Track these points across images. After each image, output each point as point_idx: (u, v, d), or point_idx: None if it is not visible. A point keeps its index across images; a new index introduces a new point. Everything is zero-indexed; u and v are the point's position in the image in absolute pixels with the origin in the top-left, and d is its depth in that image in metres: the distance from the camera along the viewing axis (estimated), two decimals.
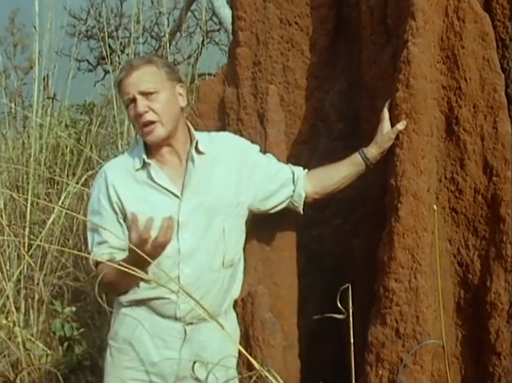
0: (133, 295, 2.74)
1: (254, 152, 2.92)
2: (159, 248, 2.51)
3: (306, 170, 2.94)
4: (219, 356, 2.61)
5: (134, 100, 2.68)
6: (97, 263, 2.71)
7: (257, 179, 2.85)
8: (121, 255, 2.65)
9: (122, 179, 2.74)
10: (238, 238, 2.83)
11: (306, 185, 2.89)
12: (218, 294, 2.76)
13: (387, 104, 2.82)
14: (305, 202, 2.91)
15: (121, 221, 2.73)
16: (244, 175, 2.83)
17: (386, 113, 2.80)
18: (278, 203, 2.90)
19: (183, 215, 2.69)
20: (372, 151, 2.84)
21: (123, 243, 2.66)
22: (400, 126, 2.72)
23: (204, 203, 2.72)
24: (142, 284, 2.70)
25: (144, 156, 2.73)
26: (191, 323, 2.73)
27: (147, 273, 2.59)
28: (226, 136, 2.94)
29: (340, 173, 2.89)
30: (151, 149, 2.76)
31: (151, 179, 2.72)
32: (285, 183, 2.88)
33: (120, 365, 2.75)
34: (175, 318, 2.72)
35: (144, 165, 2.73)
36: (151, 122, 2.68)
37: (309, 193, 2.90)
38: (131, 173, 2.74)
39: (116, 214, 2.73)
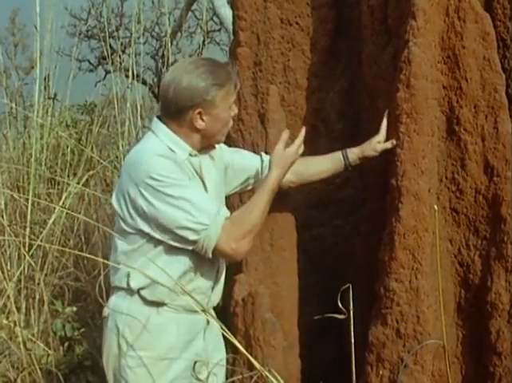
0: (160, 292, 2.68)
1: (225, 151, 2.91)
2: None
3: None
4: (220, 338, 2.81)
5: (233, 103, 2.75)
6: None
7: (231, 175, 2.91)
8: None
9: (180, 171, 2.67)
10: None
11: None
12: (222, 282, 2.84)
13: (385, 115, 2.84)
14: (281, 187, 2.86)
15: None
16: (223, 177, 2.88)
17: (384, 127, 2.85)
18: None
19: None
20: (354, 153, 2.90)
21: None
22: (389, 145, 2.81)
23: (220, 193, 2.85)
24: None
25: (190, 148, 2.70)
26: (208, 311, 2.75)
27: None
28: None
29: (317, 165, 2.95)
30: (190, 142, 2.72)
31: (195, 169, 2.72)
32: (256, 172, 2.94)
33: (159, 371, 2.68)
34: (199, 310, 2.66)
35: (189, 156, 2.70)
36: None
37: (284, 181, 2.87)
38: (179, 164, 2.66)
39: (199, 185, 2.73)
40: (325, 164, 2.95)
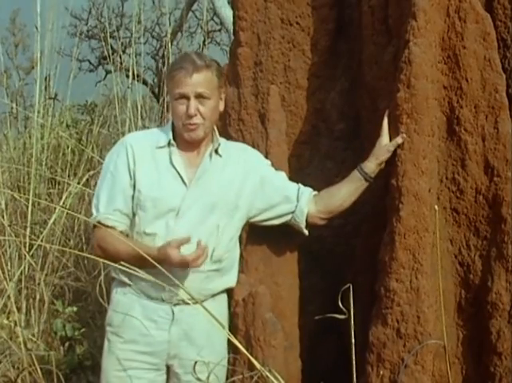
0: (129, 277, 2.84)
1: (264, 164, 2.99)
2: (184, 265, 2.71)
3: (315, 192, 2.96)
4: (206, 336, 2.83)
5: (187, 98, 2.80)
6: (95, 226, 2.85)
7: (262, 190, 2.92)
8: (123, 225, 2.84)
9: (142, 153, 2.86)
10: (230, 237, 2.90)
11: (310, 205, 2.93)
12: (203, 283, 2.85)
13: (386, 115, 2.83)
14: (312, 223, 2.95)
15: (131, 187, 2.85)
16: (248, 183, 2.91)
17: (385, 127, 2.84)
18: (278, 216, 2.96)
19: (185, 203, 2.80)
20: (370, 164, 2.88)
21: (130, 210, 2.83)
22: (399, 140, 2.77)
23: (207, 197, 2.84)
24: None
25: (171, 137, 2.87)
26: (178, 304, 2.84)
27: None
28: (241, 146, 3.04)
29: (341, 191, 2.92)
30: (178, 135, 2.88)
31: (170, 160, 2.85)
32: (288, 197, 2.93)
33: (114, 347, 2.89)
34: (162, 300, 2.84)
35: (168, 145, 2.86)
36: (196, 123, 2.82)
37: (313, 212, 2.93)
38: (152, 150, 2.87)
39: (130, 179, 2.84)
40: (347, 189, 2.91)
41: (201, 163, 2.87)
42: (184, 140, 2.86)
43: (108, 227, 2.81)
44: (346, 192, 2.91)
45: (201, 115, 2.80)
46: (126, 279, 2.86)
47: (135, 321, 2.85)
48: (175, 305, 2.84)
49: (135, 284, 2.85)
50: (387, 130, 2.83)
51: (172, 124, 2.90)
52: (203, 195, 2.83)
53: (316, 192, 2.96)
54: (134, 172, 2.84)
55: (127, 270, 2.57)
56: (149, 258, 2.55)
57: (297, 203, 2.93)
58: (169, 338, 2.85)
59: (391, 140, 2.82)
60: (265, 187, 2.93)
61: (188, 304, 2.79)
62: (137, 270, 2.62)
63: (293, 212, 2.93)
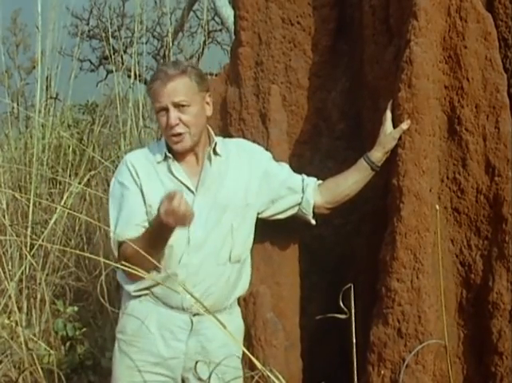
0: (142, 283, 2.78)
1: (266, 157, 2.97)
2: (181, 219, 2.58)
3: (320, 181, 2.95)
4: (223, 350, 2.74)
5: (166, 109, 2.76)
6: (120, 245, 2.76)
7: (267, 183, 2.91)
8: None
9: (144, 169, 2.83)
10: (246, 236, 2.88)
11: (316, 195, 2.92)
12: (225, 288, 2.81)
13: (389, 105, 2.82)
14: (319, 213, 2.95)
15: (144, 203, 2.80)
16: (254, 179, 2.89)
17: (389, 114, 2.82)
18: (285, 209, 2.94)
19: (196, 210, 2.73)
20: (376, 153, 2.86)
21: (148, 219, 2.75)
22: (404, 126, 2.75)
23: (216, 200, 2.81)
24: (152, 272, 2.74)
25: (166, 150, 2.84)
26: (198, 314, 2.77)
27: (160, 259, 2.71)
28: (240, 141, 3.03)
29: (347, 180, 2.91)
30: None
31: (171, 172, 2.82)
32: (293, 189, 2.92)
33: (127, 356, 2.81)
34: (182, 309, 2.78)
35: (165, 159, 2.84)
36: (180, 134, 2.77)
37: (319, 203, 2.93)
38: (153, 165, 2.84)
39: (141, 195, 2.80)
40: (353, 177, 2.90)
41: (202, 168, 2.84)
42: (178, 152, 2.83)
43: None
44: (353, 182, 2.90)
45: (183, 123, 2.75)
46: (145, 291, 2.80)
47: (151, 329, 2.78)
48: (194, 315, 2.78)
49: (153, 292, 2.79)
50: (391, 117, 2.80)
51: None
52: (212, 199, 2.81)
53: (320, 181, 2.95)
54: (141, 187, 2.79)
55: (149, 277, 2.57)
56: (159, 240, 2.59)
57: (303, 194, 2.91)
58: (186, 350, 2.78)
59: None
60: (270, 181, 2.91)
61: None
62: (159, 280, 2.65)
63: (299, 204, 2.92)
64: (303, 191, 2.92)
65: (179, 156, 2.84)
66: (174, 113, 2.74)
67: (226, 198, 2.82)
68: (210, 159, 2.85)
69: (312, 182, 2.94)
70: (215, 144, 2.86)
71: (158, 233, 2.65)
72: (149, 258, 2.53)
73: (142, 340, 2.79)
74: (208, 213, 2.79)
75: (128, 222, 2.76)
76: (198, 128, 2.80)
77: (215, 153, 2.86)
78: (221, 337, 2.70)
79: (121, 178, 2.84)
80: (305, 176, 2.96)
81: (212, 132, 2.91)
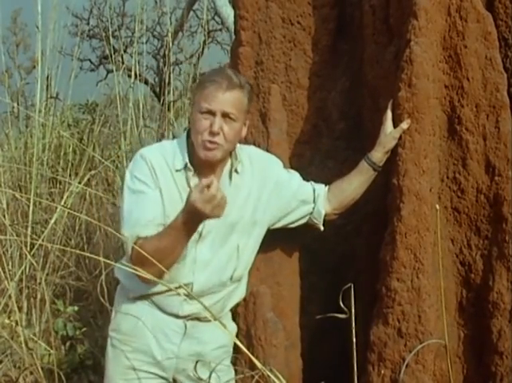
0: (144, 288, 2.75)
1: (277, 167, 2.93)
2: (217, 208, 2.51)
3: (327, 187, 2.94)
4: (216, 352, 2.78)
5: (213, 114, 2.67)
6: (135, 242, 2.66)
7: (278, 196, 2.88)
8: None
9: (163, 174, 2.74)
10: (249, 256, 2.87)
11: (326, 204, 2.92)
12: (219, 302, 2.82)
13: (389, 105, 2.82)
14: (327, 219, 2.95)
15: (162, 201, 2.71)
16: (265, 192, 2.86)
17: (389, 114, 2.82)
18: (297, 219, 2.94)
19: (206, 227, 2.71)
20: (377, 153, 2.86)
21: (166, 221, 2.65)
22: (404, 125, 2.75)
23: (226, 218, 2.70)
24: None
25: (187, 161, 2.75)
26: (191, 319, 2.79)
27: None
28: (252, 151, 2.92)
29: (351, 184, 2.91)
30: (193, 154, 2.76)
31: (189, 185, 2.73)
32: (305, 200, 2.91)
33: (121, 355, 2.80)
34: (177, 316, 2.78)
35: (185, 169, 2.75)
36: (216, 143, 2.69)
37: (329, 211, 2.94)
38: (171, 172, 2.75)
39: (159, 193, 2.72)
40: (357, 180, 2.90)
41: (220, 185, 2.68)
42: (201, 162, 2.73)
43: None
44: (357, 185, 2.90)
45: (224, 135, 2.67)
46: (143, 292, 2.78)
47: (145, 330, 2.77)
48: (188, 319, 2.79)
49: (149, 296, 2.78)
50: (391, 117, 2.81)
51: (187, 141, 2.78)
52: (224, 218, 2.68)
53: (327, 187, 2.94)
54: (160, 189, 2.71)
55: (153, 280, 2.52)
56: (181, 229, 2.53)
57: (315, 204, 2.91)
58: (178, 353, 2.78)
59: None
60: (281, 192, 2.88)
61: (201, 320, 2.77)
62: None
63: (310, 213, 2.92)
64: (314, 202, 2.91)
65: (199, 170, 2.75)
66: (219, 122, 2.66)
67: (236, 217, 2.78)
68: (230, 177, 2.79)
69: (322, 191, 2.93)
70: (238, 163, 2.80)
71: (186, 226, 2.56)
72: (164, 258, 2.53)
73: (136, 339, 2.78)
74: (217, 232, 2.76)
75: (149, 222, 2.66)
76: (232, 145, 2.75)
77: (236, 171, 2.81)
78: (214, 340, 2.77)
79: (140, 175, 2.72)
80: (315, 185, 2.94)
81: (237, 150, 2.82)
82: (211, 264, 2.77)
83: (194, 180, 2.72)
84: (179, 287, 2.64)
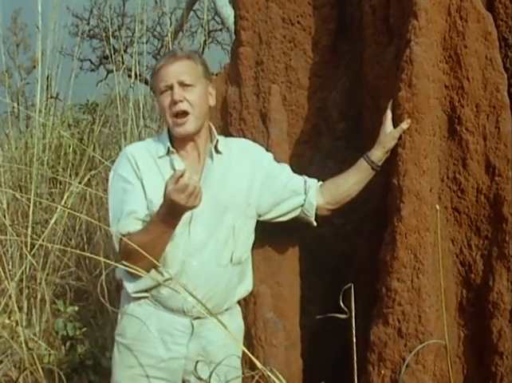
0: (143, 283, 2.75)
1: (268, 159, 2.96)
2: (192, 197, 2.53)
3: (320, 182, 2.95)
4: (223, 351, 2.72)
5: (171, 87, 2.75)
6: (121, 239, 2.69)
7: (269, 186, 2.89)
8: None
9: (145, 162, 2.80)
10: (246, 237, 2.86)
11: (318, 197, 2.92)
12: (226, 291, 2.79)
13: (389, 105, 2.82)
14: (320, 214, 2.94)
15: (144, 195, 2.75)
16: (256, 179, 2.88)
17: (389, 114, 2.82)
18: (288, 211, 2.93)
19: (197, 209, 2.69)
20: (376, 153, 2.86)
21: (149, 214, 2.70)
22: (404, 125, 2.75)
23: (218, 199, 2.77)
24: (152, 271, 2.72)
25: (169, 145, 2.81)
26: (198, 317, 2.76)
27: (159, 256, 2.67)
28: (242, 141, 3.01)
29: (348, 181, 2.91)
30: (175, 140, 2.83)
31: (173, 168, 2.77)
32: (296, 191, 2.91)
33: (128, 360, 2.78)
34: (183, 312, 2.76)
35: (168, 153, 2.81)
36: (185, 113, 2.75)
37: (321, 204, 2.92)
38: (154, 159, 2.81)
39: (141, 186, 2.76)
40: (354, 177, 2.89)
41: (204, 166, 2.81)
42: (182, 143, 2.80)
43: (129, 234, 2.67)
44: (354, 182, 2.89)
45: (188, 102, 2.74)
46: (144, 293, 2.77)
47: (152, 334, 2.75)
48: (194, 318, 2.76)
49: (153, 295, 2.77)
50: (391, 117, 2.80)
51: (168, 131, 2.84)
52: (214, 199, 2.75)
53: (321, 182, 2.95)
54: (142, 181, 2.76)
55: (148, 277, 2.54)
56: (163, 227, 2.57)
57: (306, 196, 2.90)
58: (187, 354, 2.76)
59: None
60: (272, 183, 2.89)
61: (208, 317, 2.71)
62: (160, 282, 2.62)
63: (302, 205, 2.91)
64: (305, 193, 2.91)
65: (181, 151, 2.81)
66: (179, 91, 2.74)
67: (228, 197, 2.79)
68: (211, 156, 2.82)
69: (314, 183, 2.93)
70: (217, 142, 2.84)
71: (166, 219, 2.59)
72: (149, 252, 2.52)
73: (142, 343, 2.76)
74: (209, 213, 2.76)
75: (129, 215, 2.71)
76: (202, 112, 2.79)
77: (217, 151, 2.84)
78: (222, 338, 2.71)
79: (121, 170, 2.80)
80: (306, 178, 2.95)
81: (214, 130, 2.89)
82: (207, 246, 2.76)
83: (177, 162, 2.79)
84: (170, 279, 2.65)
